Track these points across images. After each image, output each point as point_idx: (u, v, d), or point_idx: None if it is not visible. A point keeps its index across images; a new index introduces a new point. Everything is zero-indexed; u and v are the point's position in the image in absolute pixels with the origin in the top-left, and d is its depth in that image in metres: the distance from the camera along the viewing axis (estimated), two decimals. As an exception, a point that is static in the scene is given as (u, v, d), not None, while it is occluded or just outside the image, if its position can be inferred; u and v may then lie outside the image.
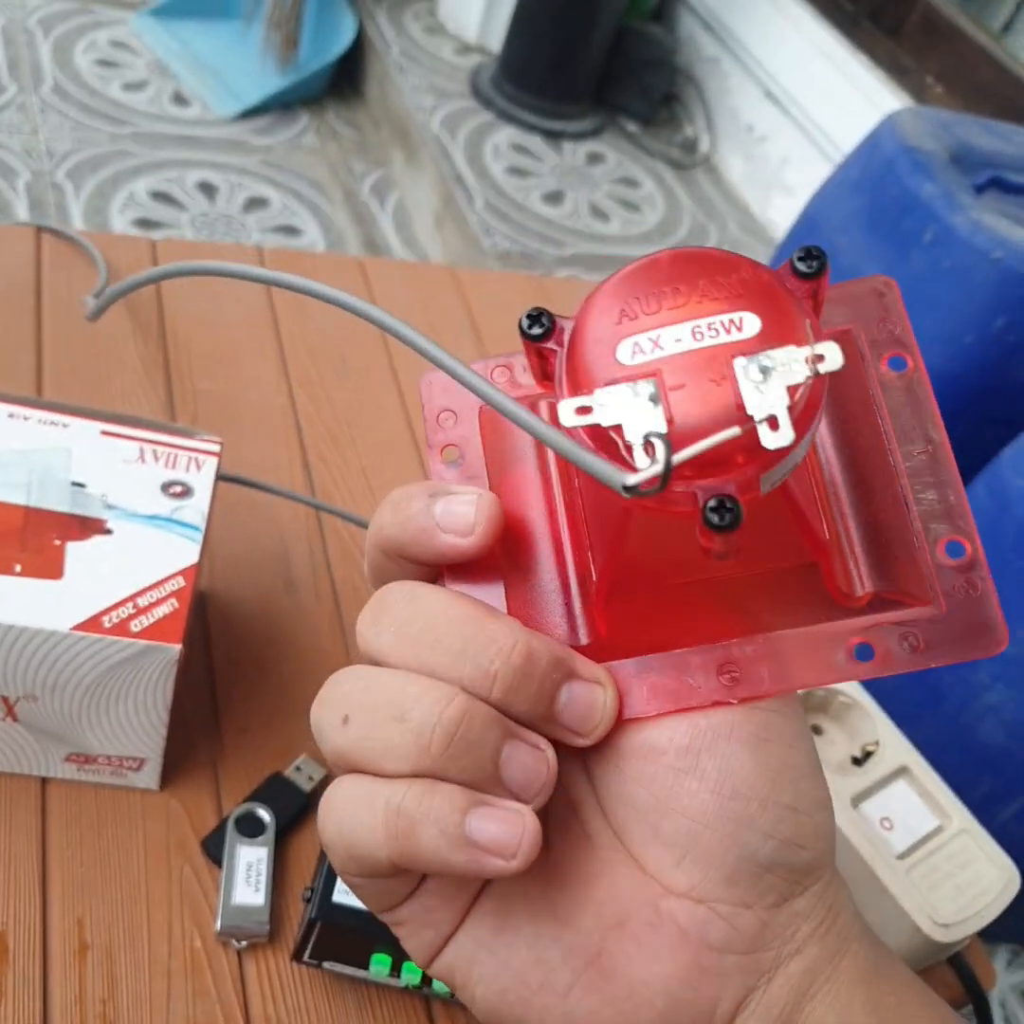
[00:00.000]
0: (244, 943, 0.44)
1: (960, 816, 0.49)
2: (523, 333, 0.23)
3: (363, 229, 2.05)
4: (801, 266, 0.23)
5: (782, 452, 0.21)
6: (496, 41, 2.35)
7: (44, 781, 0.46)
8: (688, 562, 0.25)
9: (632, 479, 0.21)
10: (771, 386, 0.21)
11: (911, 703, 1.12)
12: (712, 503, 0.21)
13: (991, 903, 0.47)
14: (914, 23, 1.98)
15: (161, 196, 1.90)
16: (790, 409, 0.21)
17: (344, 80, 2.33)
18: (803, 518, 0.24)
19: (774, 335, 0.22)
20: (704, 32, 2.40)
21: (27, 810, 0.45)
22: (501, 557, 0.25)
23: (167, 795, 0.47)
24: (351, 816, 0.23)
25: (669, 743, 0.24)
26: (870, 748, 0.51)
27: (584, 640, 0.25)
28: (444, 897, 0.25)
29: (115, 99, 2.08)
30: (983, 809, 0.53)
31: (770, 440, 0.21)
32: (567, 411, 0.22)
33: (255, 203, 1.98)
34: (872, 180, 1.25)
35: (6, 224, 0.72)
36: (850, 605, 0.25)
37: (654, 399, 0.22)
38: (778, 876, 0.24)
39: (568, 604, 0.26)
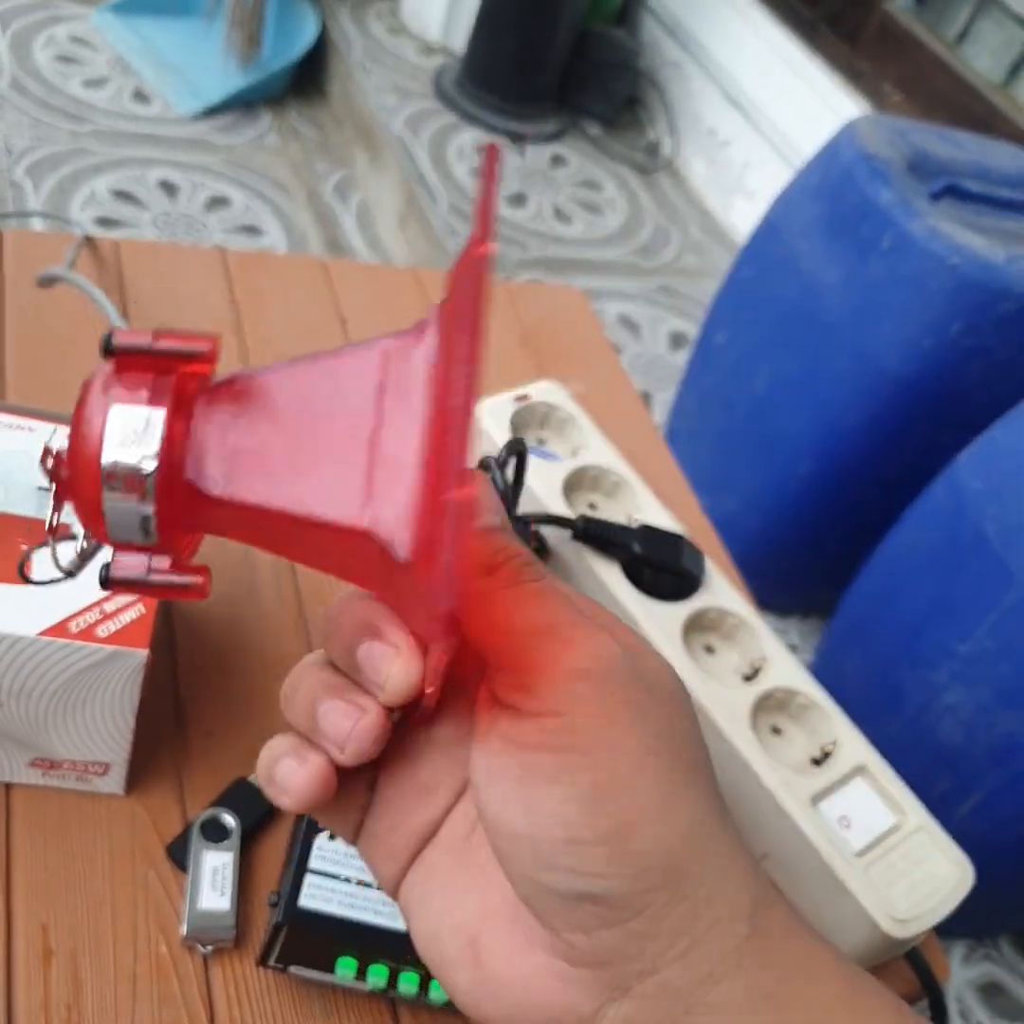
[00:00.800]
0: (210, 948, 0.44)
1: (917, 813, 0.50)
2: None
3: (326, 229, 2.04)
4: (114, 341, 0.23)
5: None
6: (459, 42, 2.35)
7: (8, 786, 0.46)
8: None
9: None
10: None
11: (873, 706, 1.14)
12: None
13: (946, 898, 0.48)
14: (871, 31, 2.01)
15: (122, 195, 1.88)
16: None
17: (307, 79, 2.32)
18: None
19: None
20: (666, 36, 2.42)
21: (-10, 817, 0.45)
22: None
23: (132, 800, 0.47)
24: None
25: (464, 817, 0.27)
26: (829, 748, 0.51)
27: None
28: (382, 838, 0.28)
29: (75, 96, 2.06)
30: (941, 807, 0.54)
31: None
32: None
33: (217, 202, 1.96)
34: (831, 187, 1.27)
35: (-35, 224, 0.72)
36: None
37: None
38: (589, 909, 0.23)
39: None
